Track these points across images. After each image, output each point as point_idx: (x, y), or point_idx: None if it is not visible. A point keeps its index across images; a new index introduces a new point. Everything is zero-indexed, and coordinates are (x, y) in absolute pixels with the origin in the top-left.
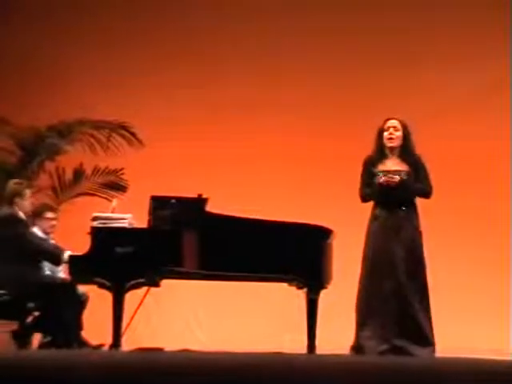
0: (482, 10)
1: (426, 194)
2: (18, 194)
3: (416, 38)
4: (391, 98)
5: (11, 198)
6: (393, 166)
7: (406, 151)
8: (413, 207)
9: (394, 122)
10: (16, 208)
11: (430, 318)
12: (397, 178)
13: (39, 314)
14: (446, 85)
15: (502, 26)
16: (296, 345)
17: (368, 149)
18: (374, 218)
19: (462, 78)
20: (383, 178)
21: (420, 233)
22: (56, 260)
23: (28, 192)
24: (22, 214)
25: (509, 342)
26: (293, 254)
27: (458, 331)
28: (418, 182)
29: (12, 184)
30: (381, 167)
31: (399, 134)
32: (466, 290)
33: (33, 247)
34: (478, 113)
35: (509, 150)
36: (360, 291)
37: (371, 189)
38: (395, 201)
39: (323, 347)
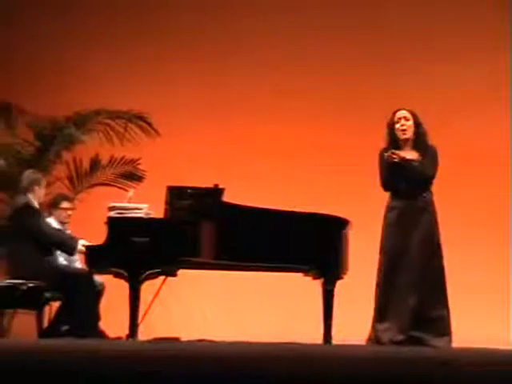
0: (482, 9)
1: (425, 177)
2: (37, 181)
3: (418, 35)
4: (400, 92)
5: (30, 187)
6: (406, 156)
7: (419, 140)
8: (428, 197)
9: (403, 113)
10: (30, 197)
11: (447, 308)
12: (401, 155)
13: (61, 304)
14: (448, 82)
15: (503, 26)
16: (312, 335)
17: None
18: (390, 208)
19: (465, 74)
20: (386, 154)
21: (437, 223)
22: (70, 250)
23: (44, 180)
24: (36, 204)
25: (509, 332)
26: (309, 244)
27: (458, 322)
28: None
29: (30, 173)
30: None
31: (410, 123)
32: (466, 282)
33: (47, 237)
34: (479, 111)
35: (509, 148)
36: (378, 284)
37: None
38: (409, 189)
39: (339, 338)
